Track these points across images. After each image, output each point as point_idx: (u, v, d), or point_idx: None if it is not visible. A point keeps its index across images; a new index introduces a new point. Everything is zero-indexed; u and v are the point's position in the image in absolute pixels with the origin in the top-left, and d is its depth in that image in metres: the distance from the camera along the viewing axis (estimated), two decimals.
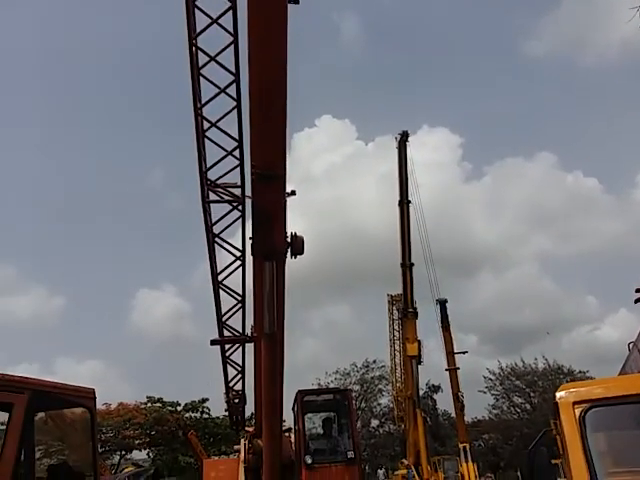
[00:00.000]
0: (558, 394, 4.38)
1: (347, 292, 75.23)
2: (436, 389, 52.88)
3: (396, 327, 38.14)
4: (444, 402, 48.34)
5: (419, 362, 29.94)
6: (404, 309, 31.24)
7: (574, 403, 4.22)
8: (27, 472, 5.34)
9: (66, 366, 59.73)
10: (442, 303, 32.36)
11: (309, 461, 11.69)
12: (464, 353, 33.58)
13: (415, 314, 30.49)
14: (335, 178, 73.61)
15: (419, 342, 29.82)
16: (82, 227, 79.53)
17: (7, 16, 76.61)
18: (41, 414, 5.89)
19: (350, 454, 11.77)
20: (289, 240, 6.89)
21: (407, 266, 30.56)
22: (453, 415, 36.10)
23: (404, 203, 30.58)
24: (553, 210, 73.29)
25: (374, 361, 51.77)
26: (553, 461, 4.59)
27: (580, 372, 48.85)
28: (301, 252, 6.99)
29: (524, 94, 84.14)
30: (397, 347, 38.22)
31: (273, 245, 6.56)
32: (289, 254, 7.01)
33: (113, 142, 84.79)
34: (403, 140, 31.11)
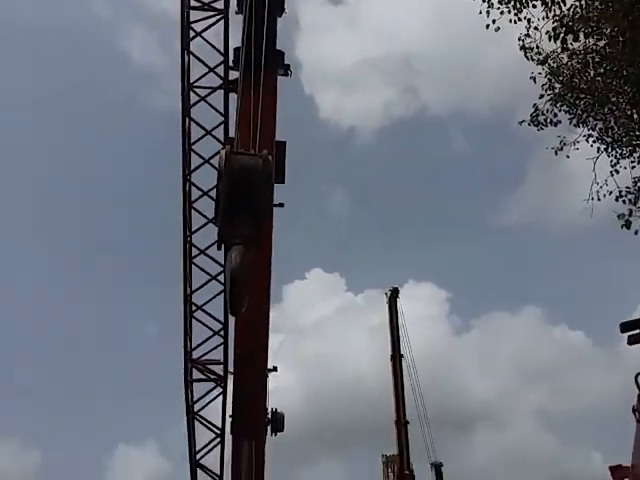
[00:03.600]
0: None
1: (340, 450, 71.24)
2: None
3: None
4: None
5: None
6: (400, 470, 29.64)
7: None
8: None
9: None
10: (437, 467, 30.61)
11: None
12: None
13: (412, 477, 28.86)
14: (325, 331, 73.55)
15: None
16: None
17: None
18: None
19: None
20: (269, 417, 7.03)
21: (402, 424, 29.47)
22: None
23: (396, 357, 30.39)
24: (544, 364, 72.39)
25: None
26: None
27: None
28: (281, 429, 7.10)
29: (500, 255, 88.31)
30: None
31: (252, 424, 6.70)
32: (269, 431, 7.10)
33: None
34: (393, 296, 31.90)
